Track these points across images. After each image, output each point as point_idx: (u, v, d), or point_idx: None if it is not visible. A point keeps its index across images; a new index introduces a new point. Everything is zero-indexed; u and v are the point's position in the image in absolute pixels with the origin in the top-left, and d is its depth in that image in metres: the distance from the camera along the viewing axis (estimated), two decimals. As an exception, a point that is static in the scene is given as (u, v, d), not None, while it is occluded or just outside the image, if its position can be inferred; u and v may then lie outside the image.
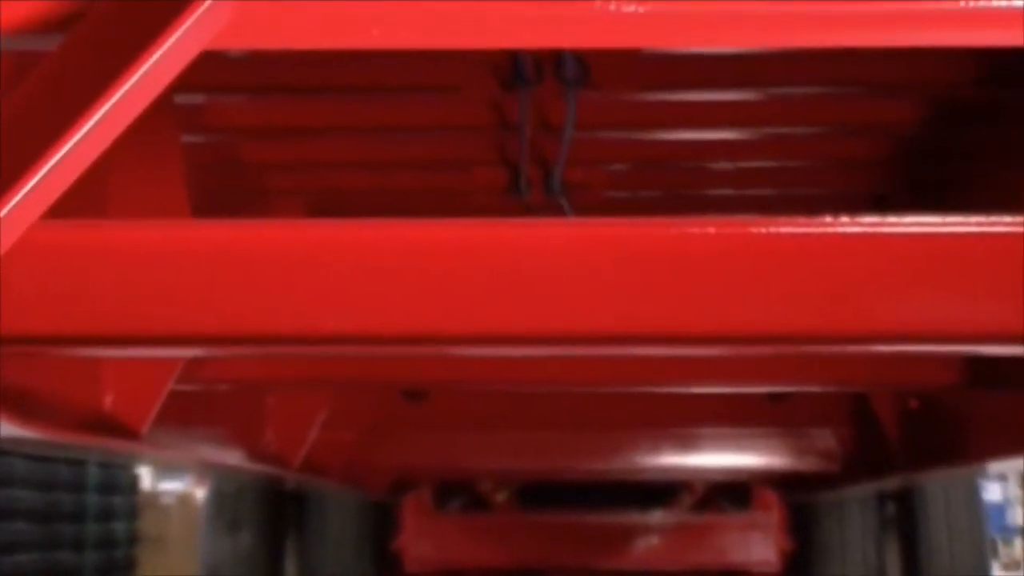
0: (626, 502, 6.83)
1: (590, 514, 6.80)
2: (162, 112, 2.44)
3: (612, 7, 1.43)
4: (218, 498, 6.14)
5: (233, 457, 4.02)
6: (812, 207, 3.67)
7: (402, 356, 3.25)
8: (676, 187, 3.67)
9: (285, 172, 3.58)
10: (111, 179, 2.45)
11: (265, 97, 3.11)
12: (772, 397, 4.88)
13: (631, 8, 1.43)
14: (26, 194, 1.30)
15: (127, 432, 2.72)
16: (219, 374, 3.33)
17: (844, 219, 1.63)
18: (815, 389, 4.24)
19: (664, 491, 6.90)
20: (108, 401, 2.69)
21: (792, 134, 3.32)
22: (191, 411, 3.54)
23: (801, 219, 1.64)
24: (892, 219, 1.65)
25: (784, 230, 1.63)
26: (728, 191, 3.68)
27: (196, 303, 1.62)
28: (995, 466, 4.15)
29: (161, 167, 2.61)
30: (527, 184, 3.39)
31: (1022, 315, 1.60)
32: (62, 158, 1.31)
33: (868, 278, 1.62)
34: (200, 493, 7.91)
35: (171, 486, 9.80)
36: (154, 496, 9.50)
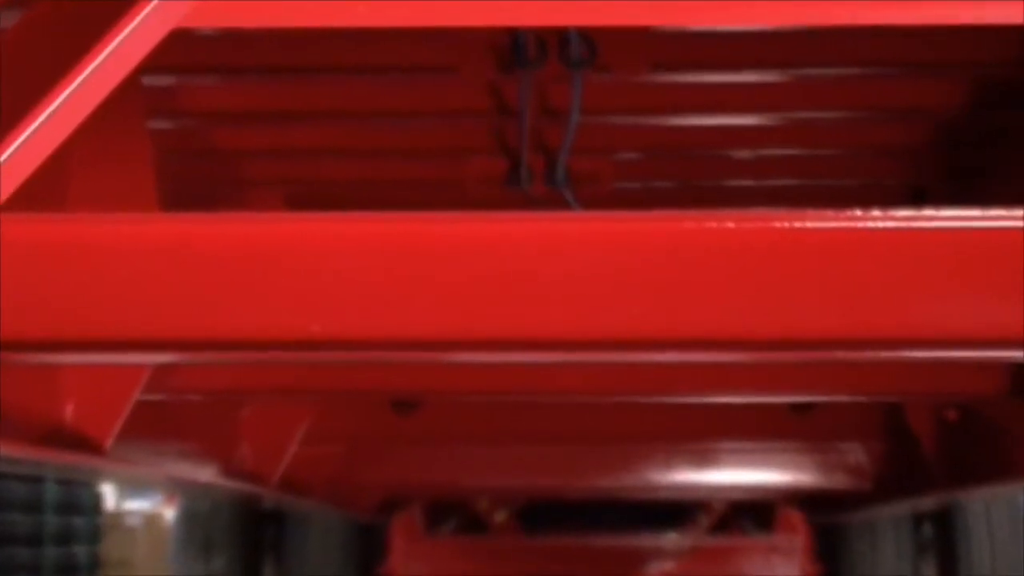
0: (637, 523, 6.84)
1: (598, 537, 6.81)
2: (129, 95, 2.44)
3: (621, -20, 1.43)
4: (189, 519, 6.15)
5: (205, 473, 4.02)
6: (841, 200, 3.68)
7: (391, 363, 3.25)
8: (691, 177, 3.68)
9: (262, 160, 3.58)
10: (73, 168, 2.46)
11: (241, 79, 3.11)
12: (797, 408, 4.89)
13: (642, -19, 1.43)
14: (-21, 185, 1.30)
15: (89, 446, 2.72)
16: (190, 383, 3.34)
17: (876, 213, 1.64)
18: (844, 399, 4.25)
19: (679, 511, 6.91)
20: (68, 412, 2.69)
21: (819, 119, 3.32)
22: (159, 423, 3.54)
23: (829, 213, 1.65)
24: (930, 213, 1.65)
25: (811, 225, 1.64)
26: (749, 182, 3.69)
27: (164, 305, 1.62)
28: (1042, 483, 4.16)
29: (127, 155, 2.61)
30: (528, 174, 3.39)
31: (1073, 317, 1.60)
32: (19, 146, 1.31)
33: (903, 278, 1.62)
34: (169, 513, 7.90)
35: (137, 505, 9.78)
36: (119, 517, 9.48)
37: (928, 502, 5.11)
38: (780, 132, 3.41)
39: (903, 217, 1.64)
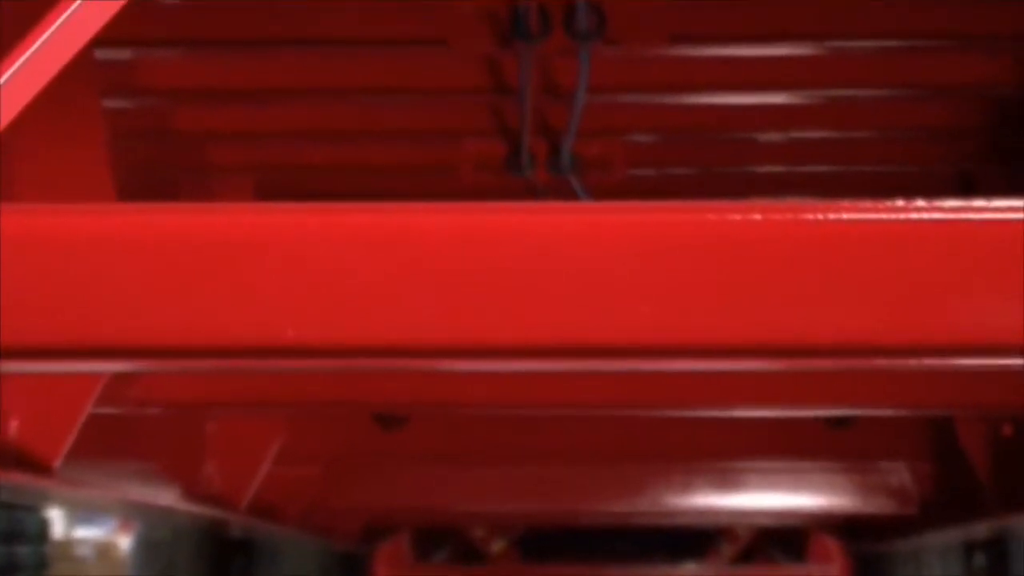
0: (652, 553, 6.84)
1: (607, 568, 6.81)
2: (82, 71, 2.45)
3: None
4: (147, 547, 6.15)
5: (166, 496, 4.02)
6: (881, 188, 3.68)
7: (375, 372, 3.25)
8: (713, 163, 3.68)
9: (230, 144, 3.59)
10: (18, 152, 2.46)
11: (206, 52, 3.11)
12: (833, 423, 4.89)
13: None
14: (-87, 173, 1.30)
15: (35, 466, 2.72)
16: (149, 394, 3.34)
17: (921, 203, 1.64)
18: (885, 413, 4.25)
19: (699, 539, 6.91)
20: (11, 428, 2.69)
21: (857, 97, 3.33)
22: (114, 440, 3.54)
23: (868, 203, 1.65)
24: (980, 203, 1.65)
25: (847, 217, 1.64)
26: (777, 168, 3.69)
27: (119, 306, 1.62)
28: (1108, 507, 4.16)
29: (79, 137, 2.61)
30: (529, 160, 3.39)
31: None
32: (-43, 128, 1.31)
33: (952, 276, 1.62)
34: (124, 542, 7.91)
35: (89, 533, 9.80)
36: (68, 545, 9.50)
37: (980, 528, 5.11)
38: (813, 112, 3.41)
39: (951, 207, 1.64)
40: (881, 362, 1.75)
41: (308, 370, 3.03)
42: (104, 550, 9.36)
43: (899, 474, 5.24)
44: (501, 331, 1.62)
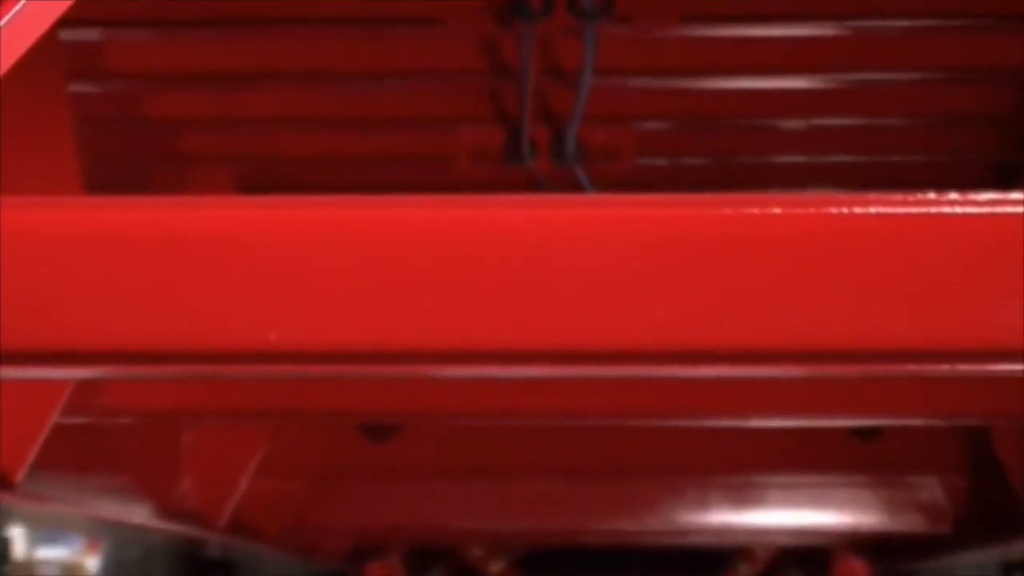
0: (665, 574, 6.84)
1: (615, 590, 6.81)
2: (45, 52, 2.45)
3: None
4: (116, 568, 6.15)
5: (137, 513, 4.03)
6: (911, 180, 3.69)
7: (364, 379, 3.25)
8: (729, 152, 3.69)
9: (207, 132, 3.59)
10: (-24, 142, 2.46)
11: (180, 33, 3.11)
12: (860, 433, 4.90)
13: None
14: None
15: (-4, 480, 2.73)
16: (119, 402, 3.34)
17: (954, 196, 1.64)
18: (916, 423, 4.25)
19: (715, 559, 6.92)
20: (-30, 439, 2.70)
21: (885, 81, 3.33)
22: (82, 452, 3.55)
23: (896, 196, 1.65)
24: (1018, 196, 1.65)
25: (874, 211, 1.64)
26: (798, 158, 3.69)
27: (87, 307, 1.62)
28: None
29: (43, 125, 2.62)
30: (531, 148, 3.40)
31: None
32: (-88, 115, 1.32)
33: (987, 275, 1.62)
34: (92, 562, 7.91)
35: (53, 553, 9.81)
36: (30, 566, 9.51)
37: (1019, 547, 5.11)
38: (837, 97, 3.41)
39: (987, 201, 1.64)
40: (911, 368, 1.75)
41: (292, 376, 3.03)
42: (70, 571, 9.37)
43: (931, 489, 5.24)
44: (499, 334, 1.62)
